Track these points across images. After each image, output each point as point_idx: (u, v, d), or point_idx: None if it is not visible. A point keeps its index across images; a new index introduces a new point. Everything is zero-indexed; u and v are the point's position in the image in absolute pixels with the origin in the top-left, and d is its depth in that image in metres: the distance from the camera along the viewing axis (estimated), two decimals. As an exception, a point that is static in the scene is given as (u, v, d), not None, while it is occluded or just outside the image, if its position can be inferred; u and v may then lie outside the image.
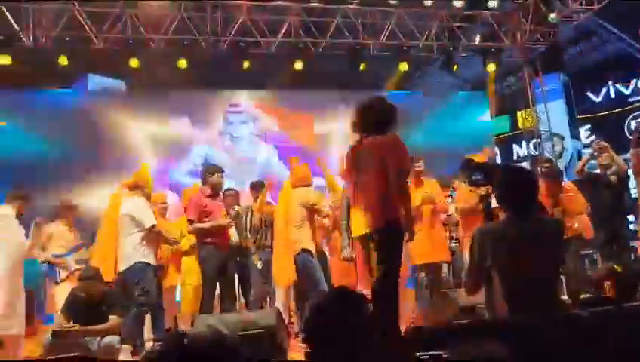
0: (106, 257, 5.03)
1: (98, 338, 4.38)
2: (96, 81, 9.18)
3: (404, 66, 9.44)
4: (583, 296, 5.14)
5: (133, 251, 4.86)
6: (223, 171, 5.46)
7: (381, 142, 3.54)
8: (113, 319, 4.50)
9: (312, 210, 5.21)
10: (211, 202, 5.27)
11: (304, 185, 5.33)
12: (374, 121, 3.61)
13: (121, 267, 4.90)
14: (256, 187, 6.33)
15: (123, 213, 4.95)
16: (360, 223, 3.54)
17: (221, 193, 5.67)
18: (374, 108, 3.67)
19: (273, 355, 3.69)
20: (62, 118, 8.38)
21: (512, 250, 2.58)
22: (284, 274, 5.29)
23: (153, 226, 4.92)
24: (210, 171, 5.41)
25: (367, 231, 3.47)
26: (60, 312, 4.66)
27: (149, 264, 4.89)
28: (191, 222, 5.21)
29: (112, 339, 4.38)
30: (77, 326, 4.32)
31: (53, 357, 3.67)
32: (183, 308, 5.71)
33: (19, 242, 4.79)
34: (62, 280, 5.59)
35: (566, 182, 6.48)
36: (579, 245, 6.40)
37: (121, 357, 4.94)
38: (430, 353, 1.73)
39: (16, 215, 4.89)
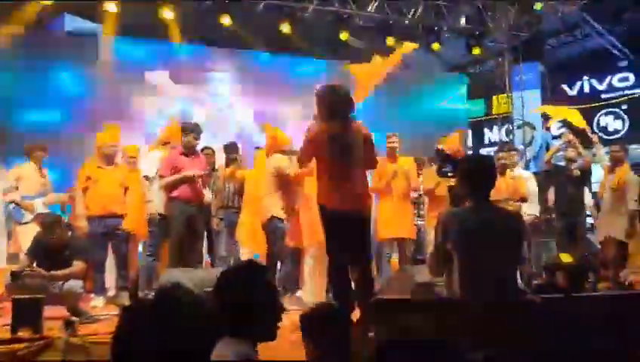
0: None
1: (60, 283, 4.40)
2: (72, 23, 8.88)
3: (390, 41, 9.41)
4: (535, 283, 5.40)
5: None
6: (196, 129, 5.40)
7: (361, 129, 3.83)
8: (77, 264, 4.52)
9: (283, 177, 5.25)
10: (185, 160, 5.27)
11: (277, 152, 5.36)
12: (348, 107, 3.79)
13: None
14: (229, 149, 6.35)
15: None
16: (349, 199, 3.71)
17: (199, 151, 5.67)
18: (343, 95, 3.82)
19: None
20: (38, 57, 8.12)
21: (473, 236, 2.69)
22: (251, 239, 5.46)
23: None
24: (185, 129, 5.40)
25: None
26: (24, 254, 4.65)
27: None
28: (161, 177, 5.31)
29: (75, 284, 4.41)
30: (40, 270, 4.34)
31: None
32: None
33: None
34: (26, 223, 5.57)
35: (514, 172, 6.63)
36: (533, 233, 6.67)
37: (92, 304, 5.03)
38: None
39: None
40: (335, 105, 3.76)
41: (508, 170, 6.15)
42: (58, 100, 8.26)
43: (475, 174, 2.88)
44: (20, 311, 3.62)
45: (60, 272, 4.41)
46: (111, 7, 8.06)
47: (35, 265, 4.43)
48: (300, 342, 3.09)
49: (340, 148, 3.70)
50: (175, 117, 6.07)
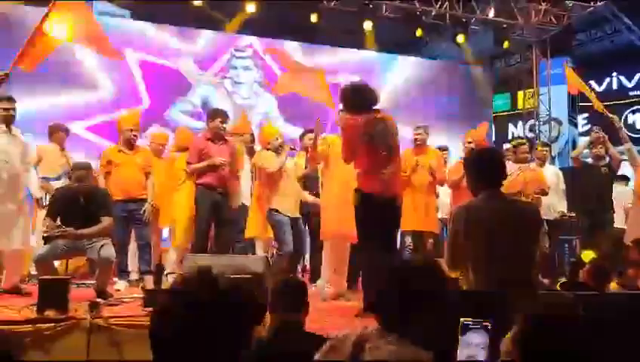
0: None
1: (98, 247, 4.33)
2: (100, 8, 8.92)
3: (419, 32, 9.32)
4: (561, 281, 5.31)
5: None
6: (224, 116, 5.44)
7: (391, 118, 4.08)
8: (105, 220, 4.48)
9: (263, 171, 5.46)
10: (212, 145, 5.28)
11: (264, 147, 5.62)
12: (373, 99, 4.04)
13: None
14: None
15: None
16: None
17: (230, 139, 5.69)
18: (367, 89, 4.09)
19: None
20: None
21: (483, 227, 2.66)
22: (255, 228, 5.71)
23: None
24: (211, 115, 5.44)
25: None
26: (44, 218, 4.56)
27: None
28: (189, 164, 5.32)
29: (110, 254, 4.38)
30: (70, 229, 4.27)
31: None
32: (173, 244, 5.77)
33: (17, 156, 4.68)
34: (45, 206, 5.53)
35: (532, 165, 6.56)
36: (560, 230, 6.59)
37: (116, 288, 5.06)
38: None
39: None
40: (361, 98, 3.99)
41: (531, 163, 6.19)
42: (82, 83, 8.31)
43: (481, 165, 2.86)
44: (47, 292, 3.65)
45: (90, 230, 4.34)
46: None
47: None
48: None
49: (374, 138, 3.89)
50: (245, 110, 6.10)
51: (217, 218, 5.26)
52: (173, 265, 5.44)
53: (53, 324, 3.45)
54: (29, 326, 3.41)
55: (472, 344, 1.72)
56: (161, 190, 5.70)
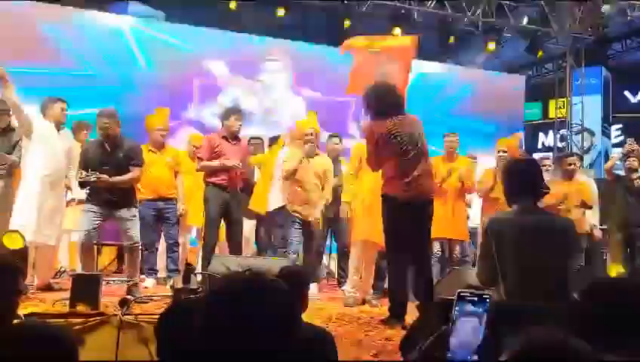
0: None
1: (127, 219, 4.49)
2: (135, 9, 9.10)
3: (451, 39, 9.27)
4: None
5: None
6: (239, 113, 5.36)
7: (416, 119, 3.97)
8: (135, 170, 4.58)
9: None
10: (226, 144, 5.19)
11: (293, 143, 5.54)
12: (400, 102, 3.93)
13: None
14: (272, 141, 6.40)
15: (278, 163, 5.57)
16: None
17: (244, 139, 5.70)
18: (393, 92, 3.95)
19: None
20: (98, 40, 8.35)
21: (517, 241, 2.60)
22: None
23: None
24: (226, 113, 5.35)
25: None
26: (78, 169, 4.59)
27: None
28: (200, 160, 5.24)
29: (135, 235, 4.54)
30: (105, 176, 4.36)
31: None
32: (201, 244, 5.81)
33: (60, 157, 4.82)
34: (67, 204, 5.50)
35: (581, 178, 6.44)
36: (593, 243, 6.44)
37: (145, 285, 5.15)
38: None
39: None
40: (386, 104, 3.86)
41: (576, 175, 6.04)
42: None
43: (518, 176, 2.79)
44: (79, 287, 3.73)
45: (121, 178, 4.47)
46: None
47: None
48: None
49: (401, 141, 3.76)
50: (313, 111, 6.04)
51: (228, 217, 5.17)
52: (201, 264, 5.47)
53: (84, 319, 3.52)
54: (61, 320, 3.48)
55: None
56: (190, 190, 5.76)
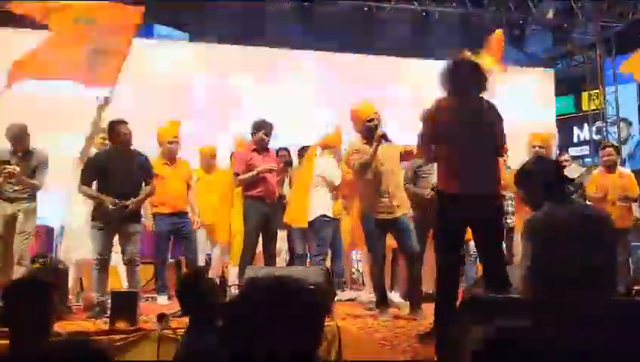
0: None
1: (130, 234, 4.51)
2: (161, 32, 9.33)
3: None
4: (637, 287, 5.03)
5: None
6: (268, 127, 5.36)
7: (490, 106, 3.46)
8: (149, 187, 4.66)
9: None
10: (257, 156, 5.27)
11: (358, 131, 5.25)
12: (478, 82, 3.43)
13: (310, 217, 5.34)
14: (301, 154, 6.39)
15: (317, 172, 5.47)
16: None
17: (273, 150, 5.73)
18: (474, 68, 3.48)
19: (319, 313, 3.80)
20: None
21: (551, 238, 2.56)
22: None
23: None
24: (255, 127, 5.39)
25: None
26: (80, 185, 4.53)
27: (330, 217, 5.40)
28: (237, 175, 5.27)
29: (136, 251, 4.56)
30: (124, 202, 4.36)
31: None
32: (231, 258, 5.84)
33: None
34: None
35: (624, 170, 6.25)
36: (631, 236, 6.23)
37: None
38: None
39: None
40: (462, 78, 3.39)
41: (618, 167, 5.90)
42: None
43: (539, 176, 2.75)
44: (118, 304, 3.81)
45: (139, 199, 4.52)
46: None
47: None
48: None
49: (463, 126, 3.30)
50: (340, 126, 6.03)
51: (266, 230, 5.22)
52: (234, 278, 5.49)
53: (124, 335, 3.61)
54: (102, 337, 3.57)
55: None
56: (216, 205, 5.79)
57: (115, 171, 4.47)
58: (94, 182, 4.55)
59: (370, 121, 4.43)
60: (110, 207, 4.35)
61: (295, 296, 1.27)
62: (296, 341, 1.22)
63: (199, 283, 2.74)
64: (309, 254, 5.95)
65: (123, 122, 4.57)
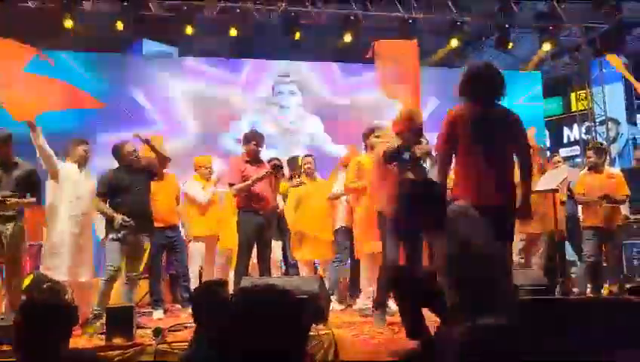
0: None
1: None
2: (150, 47, 9.38)
3: (454, 42, 9.24)
4: (629, 286, 5.07)
5: None
6: (258, 138, 5.42)
7: (513, 116, 3.43)
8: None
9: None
10: (251, 167, 5.30)
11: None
12: (498, 88, 3.39)
13: None
14: (291, 164, 6.45)
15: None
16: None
17: (265, 161, 5.76)
18: (498, 78, 3.42)
19: (315, 322, 3.84)
20: (115, 80, 8.62)
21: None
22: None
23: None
24: (247, 138, 5.46)
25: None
26: (97, 197, 4.74)
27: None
28: (231, 185, 5.31)
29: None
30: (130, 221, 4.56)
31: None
32: (231, 268, 5.83)
33: (88, 194, 4.96)
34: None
35: (613, 170, 6.31)
36: (623, 235, 6.28)
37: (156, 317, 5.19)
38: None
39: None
40: (482, 84, 3.37)
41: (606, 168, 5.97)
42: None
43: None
44: (114, 320, 3.82)
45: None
46: (188, 30, 8.41)
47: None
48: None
49: (481, 133, 3.28)
50: (355, 145, 6.09)
51: (260, 241, 5.24)
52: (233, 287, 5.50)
53: (121, 351, 3.61)
54: (99, 353, 3.57)
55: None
56: (218, 214, 5.87)
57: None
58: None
59: (419, 130, 4.35)
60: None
61: (283, 305, 1.30)
62: (282, 349, 1.25)
63: (212, 296, 2.74)
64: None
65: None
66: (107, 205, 4.70)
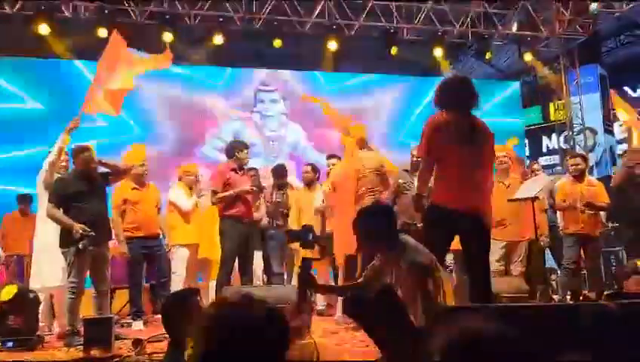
0: None
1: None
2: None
3: (437, 52, 9.33)
4: (607, 292, 5.14)
5: None
6: (247, 146, 5.58)
7: (490, 131, 3.53)
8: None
9: None
10: (235, 175, 5.32)
11: None
12: (474, 99, 3.49)
13: None
14: (276, 172, 6.41)
15: None
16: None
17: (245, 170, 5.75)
18: (470, 86, 3.53)
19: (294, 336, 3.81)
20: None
21: None
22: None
23: None
24: (239, 147, 5.48)
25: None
26: (50, 206, 4.47)
27: None
28: (214, 193, 5.28)
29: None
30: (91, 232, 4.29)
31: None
32: (212, 277, 5.77)
33: None
34: None
35: (593, 179, 6.39)
36: (602, 242, 6.36)
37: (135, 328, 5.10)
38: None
39: None
40: (462, 94, 3.47)
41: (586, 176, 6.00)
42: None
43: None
44: (91, 331, 3.75)
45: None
46: (168, 37, 8.35)
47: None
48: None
49: (464, 140, 3.35)
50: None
51: (244, 250, 5.22)
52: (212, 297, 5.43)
53: (99, 363, 3.54)
54: (77, 365, 3.50)
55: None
56: (200, 224, 5.82)
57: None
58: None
59: None
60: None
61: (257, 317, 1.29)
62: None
63: (181, 307, 2.67)
64: (285, 273, 6.12)
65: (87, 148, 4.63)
66: (62, 213, 4.40)
